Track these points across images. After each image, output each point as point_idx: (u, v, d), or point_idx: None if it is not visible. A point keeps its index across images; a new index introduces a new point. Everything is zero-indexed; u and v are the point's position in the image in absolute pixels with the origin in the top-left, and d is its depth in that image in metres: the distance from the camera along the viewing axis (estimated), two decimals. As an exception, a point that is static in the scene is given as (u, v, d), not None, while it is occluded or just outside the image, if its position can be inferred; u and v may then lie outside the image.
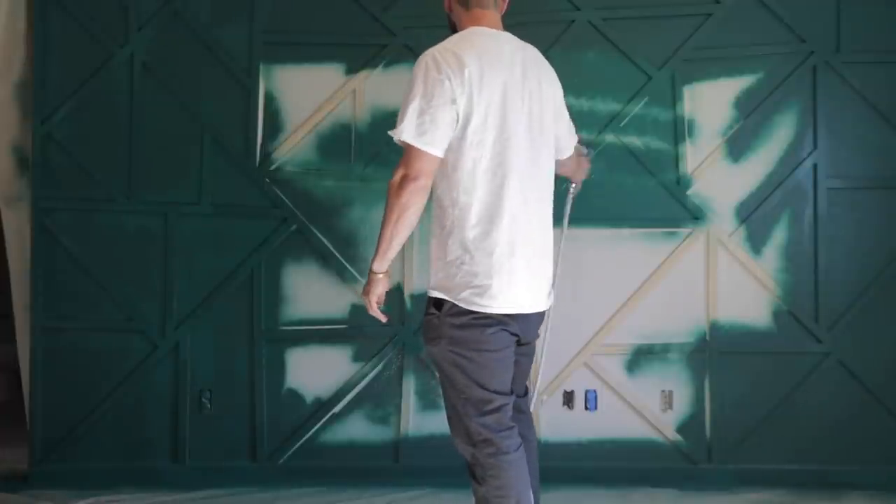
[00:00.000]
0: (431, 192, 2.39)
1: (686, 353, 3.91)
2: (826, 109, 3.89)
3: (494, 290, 2.35)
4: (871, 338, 3.88)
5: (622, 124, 3.91)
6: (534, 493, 2.53)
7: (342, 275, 3.93)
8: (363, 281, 3.90)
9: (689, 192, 3.92)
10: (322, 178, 3.94)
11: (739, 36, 3.91)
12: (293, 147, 3.94)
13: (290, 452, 3.92)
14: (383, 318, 2.50)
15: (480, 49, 2.38)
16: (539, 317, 2.53)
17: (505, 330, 2.40)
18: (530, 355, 2.61)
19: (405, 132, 2.32)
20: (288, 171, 3.94)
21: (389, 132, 2.37)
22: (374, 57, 3.94)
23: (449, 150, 2.35)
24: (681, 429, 3.92)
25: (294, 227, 3.93)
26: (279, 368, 3.93)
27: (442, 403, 3.89)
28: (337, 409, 3.93)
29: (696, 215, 3.91)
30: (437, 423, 3.93)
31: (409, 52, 3.93)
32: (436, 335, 2.39)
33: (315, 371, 3.93)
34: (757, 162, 3.92)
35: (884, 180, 3.89)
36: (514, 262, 2.38)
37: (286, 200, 3.92)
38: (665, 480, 3.85)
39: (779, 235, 3.92)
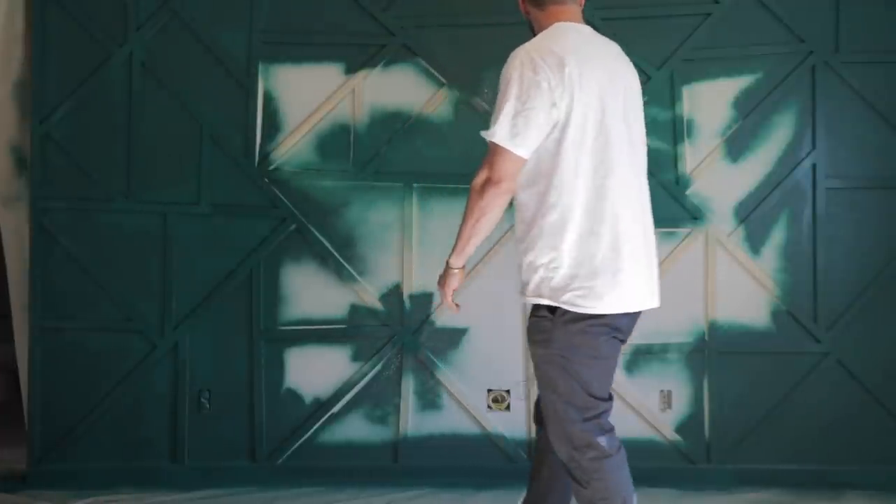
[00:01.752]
0: (515, 196, 2.41)
1: (685, 353, 3.91)
2: (825, 109, 3.89)
3: (599, 290, 2.32)
4: (870, 338, 3.88)
5: (621, 124, 3.91)
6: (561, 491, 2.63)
7: (341, 274, 3.93)
8: (362, 281, 3.91)
9: (687, 192, 3.92)
10: (321, 177, 3.94)
11: (738, 36, 3.91)
12: (292, 147, 3.94)
13: (289, 452, 3.92)
14: (457, 309, 2.57)
15: (575, 45, 2.35)
16: (637, 316, 2.51)
17: (615, 337, 2.39)
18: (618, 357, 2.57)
19: (497, 134, 2.29)
20: (287, 170, 3.94)
21: (482, 133, 2.35)
22: (373, 57, 3.94)
23: (544, 152, 2.31)
24: (679, 428, 3.92)
25: (293, 226, 3.93)
26: (278, 368, 3.93)
27: (441, 404, 3.92)
28: (336, 408, 3.93)
29: (694, 215, 3.91)
30: (436, 423, 3.94)
31: (408, 52, 3.93)
32: (545, 338, 2.36)
33: (314, 371, 3.93)
34: (756, 162, 3.92)
35: (883, 180, 3.89)
36: (620, 261, 2.35)
37: (285, 200, 3.92)
38: (664, 480, 3.85)
39: (778, 235, 3.92)
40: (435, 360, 3.93)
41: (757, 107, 3.91)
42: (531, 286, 2.37)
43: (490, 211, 2.33)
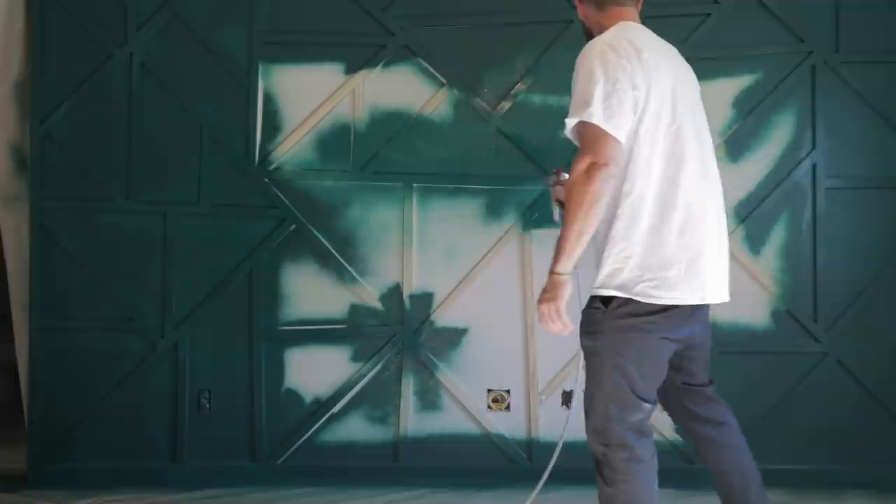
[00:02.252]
0: None
1: (685, 353, 3.90)
2: (825, 109, 3.89)
3: (672, 280, 2.27)
4: (869, 337, 3.88)
5: (621, 124, 3.91)
6: (751, 473, 2.57)
7: (341, 275, 3.93)
8: (362, 281, 3.90)
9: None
10: (321, 177, 3.94)
11: (738, 36, 3.91)
12: (292, 147, 3.94)
13: (289, 452, 3.92)
14: (570, 326, 2.29)
15: (645, 39, 2.36)
16: (707, 313, 2.46)
17: (667, 338, 2.31)
18: (707, 349, 2.52)
19: (595, 115, 2.19)
20: (287, 170, 3.94)
21: (567, 119, 2.26)
22: (373, 57, 3.94)
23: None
24: (679, 429, 3.92)
25: (293, 226, 3.93)
26: (278, 368, 3.93)
27: (442, 404, 3.92)
28: (336, 409, 3.93)
29: (695, 215, 3.91)
30: (436, 423, 3.94)
31: (408, 52, 3.93)
32: (596, 329, 2.28)
33: (314, 371, 3.93)
34: (756, 162, 3.92)
35: (882, 180, 3.89)
36: (693, 251, 2.30)
37: (285, 200, 3.92)
38: (663, 480, 3.79)
39: (777, 235, 3.92)
40: (435, 360, 3.93)
41: (757, 107, 3.91)
42: (600, 277, 2.29)
43: (602, 196, 2.17)
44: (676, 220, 2.28)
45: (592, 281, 2.31)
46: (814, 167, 3.90)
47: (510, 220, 3.92)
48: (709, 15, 3.91)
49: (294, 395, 3.93)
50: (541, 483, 2.96)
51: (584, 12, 2.53)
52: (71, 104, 3.89)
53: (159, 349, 3.90)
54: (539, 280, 3.88)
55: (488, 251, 3.91)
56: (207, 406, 3.91)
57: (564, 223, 2.20)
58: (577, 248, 2.21)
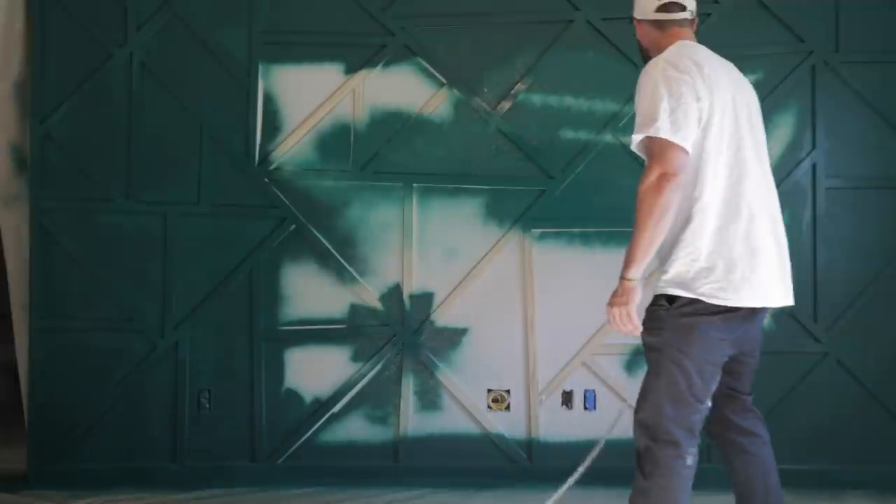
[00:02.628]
0: None
1: (685, 353, 3.90)
2: (825, 109, 3.90)
3: (736, 282, 2.35)
4: (869, 337, 3.88)
5: (621, 124, 3.91)
6: (775, 487, 2.69)
7: (341, 275, 3.93)
8: (362, 281, 3.90)
9: (688, 192, 3.92)
10: (321, 177, 3.94)
11: (738, 36, 3.91)
12: (292, 147, 3.94)
13: (289, 452, 3.92)
14: (640, 328, 2.41)
15: (705, 55, 2.47)
16: (762, 318, 2.54)
17: (725, 340, 2.39)
18: (757, 356, 2.59)
19: (662, 129, 2.30)
20: (287, 170, 3.94)
21: (634, 136, 2.36)
22: (373, 57, 3.94)
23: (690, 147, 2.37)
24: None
25: (293, 226, 3.92)
26: (278, 368, 3.93)
27: (442, 404, 3.92)
28: (336, 409, 3.93)
29: (695, 215, 3.91)
30: (436, 423, 3.93)
31: (408, 52, 3.93)
32: (660, 326, 2.37)
33: (314, 371, 3.93)
34: (756, 162, 3.92)
35: (882, 180, 3.89)
36: (756, 256, 2.39)
37: (285, 200, 3.92)
38: (664, 480, 3.84)
39: (778, 235, 3.92)
40: (435, 360, 3.93)
41: (757, 107, 3.91)
42: (667, 276, 2.39)
43: (671, 206, 2.29)
44: (740, 224, 2.39)
45: (657, 280, 2.41)
46: (814, 167, 3.90)
47: (510, 220, 3.91)
48: (709, 15, 3.91)
49: (294, 395, 3.93)
50: (575, 478, 3.01)
51: (642, 32, 2.62)
52: (71, 104, 3.89)
53: (159, 349, 3.90)
54: (539, 280, 3.89)
55: (488, 251, 3.91)
56: (207, 406, 3.91)
57: (635, 233, 2.30)
58: (647, 255, 2.33)
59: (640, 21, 2.60)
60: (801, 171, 3.91)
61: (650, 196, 2.28)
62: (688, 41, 2.52)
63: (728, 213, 2.38)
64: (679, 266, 2.37)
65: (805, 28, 3.90)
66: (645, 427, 2.37)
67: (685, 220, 2.36)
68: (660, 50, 2.51)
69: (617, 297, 2.38)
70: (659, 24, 2.56)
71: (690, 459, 2.38)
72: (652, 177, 2.29)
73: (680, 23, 2.56)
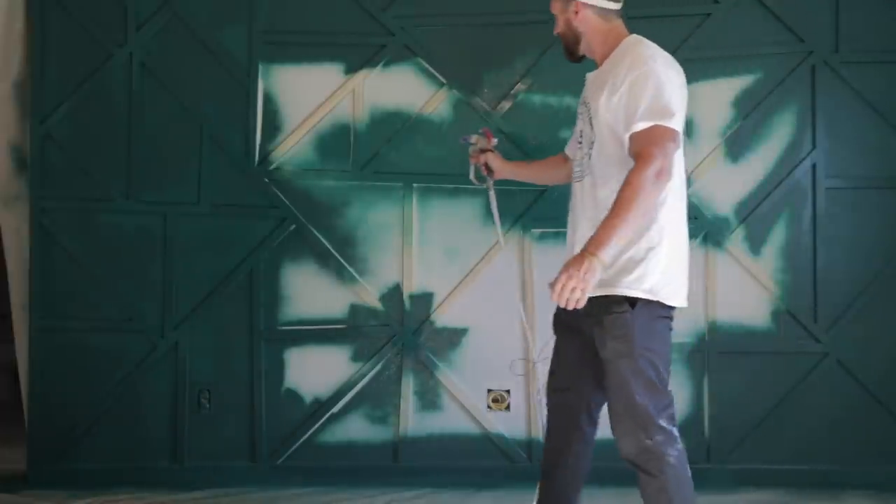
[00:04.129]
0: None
1: (685, 353, 3.90)
2: (825, 109, 3.90)
3: (684, 283, 2.47)
4: (870, 338, 3.88)
5: (621, 124, 3.91)
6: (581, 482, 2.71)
7: (341, 274, 3.93)
8: (362, 281, 3.90)
9: (687, 192, 3.90)
10: (321, 177, 3.94)
11: (738, 36, 3.91)
12: (292, 147, 3.94)
13: (289, 452, 3.92)
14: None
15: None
16: None
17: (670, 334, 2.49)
18: None
19: (676, 123, 2.30)
20: (287, 170, 3.94)
21: (639, 122, 2.29)
22: (373, 57, 3.94)
23: None
24: (679, 428, 3.89)
25: (293, 226, 3.92)
26: (278, 368, 3.93)
27: (442, 404, 3.92)
28: (336, 408, 3.93)
29: (695, 215, 3.90)
30: (436, 423, 3.93)
31: (408, 52, 3.93)
32: (626, 333, 2.35)
33: (314, 371, 3.93)
34: (756, 162, 3.92)
35: (883, 180, 3.89)
36: (687, 259, 2.50)
37: (285, 200, 3.92)
38: (664, 480, 3.84)
39: (778, 235, 3.92)
40: (435, 360, 3.93)
41: (757, 107, 3.91)
42: (627, 279, 2.36)
43: (656, 203, 2.30)
44: (684, 230, 2.48)
45: (608, 281, 2.35)
46: (814, 167, 3.90)
47: (510, 220, 3.91)
48: (709, 15, 3.91)
49: (294, 395, 3.93)
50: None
51: (581, 18, 2.50)
52: (71, 104, 3.89)
53: (159, 349, 3.90)
54: (539, 279, 3.89)
55: (488, 251, 3.90)
56: (207, 406, 3.91)
57: (617, 213, 2.21)
58: (623, 242, 2.26)
59: (584, 5, 2.48)
60: (801, 171, 3.91)
61: (645, 187, 2.22)
62: (647, 40, 2.48)
63: (681, 216, 2.46)
64: (642, 269, 2.36)
65: (805, 28, 3.90)
66: (638, 432, 2.38)
67: (650, 222, 2.35)
68: (600, 43, 2.48)
69: (582, 273, 2.19)
70: (605, 14, 2.48)
71: (680, 442, 2.44)
72: (650, 170, 2.23)
73: (619, 15, 2.51)
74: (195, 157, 3.91)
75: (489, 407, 3.94)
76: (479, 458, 3.92)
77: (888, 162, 3.89)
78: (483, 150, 2.93)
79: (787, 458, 3.89)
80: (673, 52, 3.81)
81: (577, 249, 2.33)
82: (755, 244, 3.92)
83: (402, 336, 3.93)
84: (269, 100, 3.95)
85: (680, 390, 3.91)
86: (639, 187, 2.22)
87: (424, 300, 3.93)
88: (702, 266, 3.91)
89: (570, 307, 2.21)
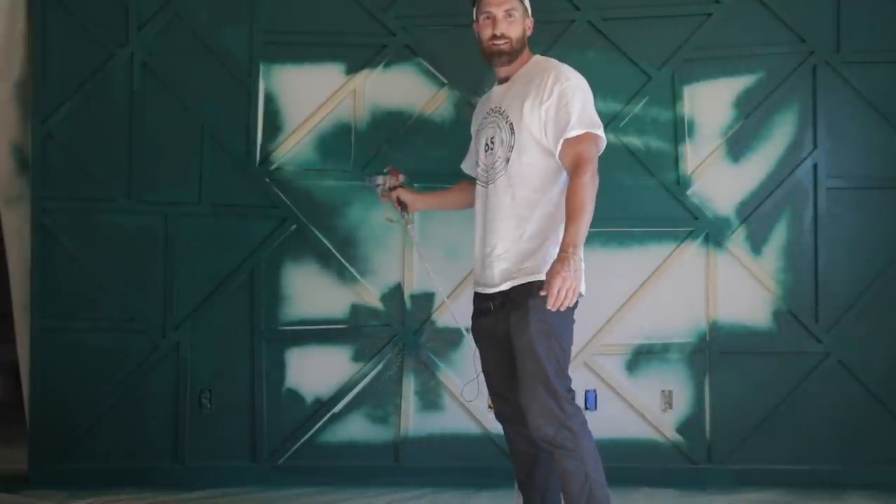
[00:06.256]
0: (539, 195, 2.70)
1: (686, 353, 3.91)
2: (826, 109, 3.89)
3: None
4: (871, 338, 3.88)
5: (622, 124, 3.91)
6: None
7: (342, 274, 3.93)
8: (363, 281, 3.91)
9: (688, 192, 3.92)
10: (322, 177, 3.94)
11: (739, 35, 3.91)
12: (293, 147, 3.95)
13: (290, 452, 3.92)
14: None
15: None
16: None
17: None
18: None
19: (601, 130, 2.68)
20: (288, 170, 3.94)
21: (574, 131, 2.63)
22: (374, 57, 3.94)
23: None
24: (681, 429, 3.92)
25: (294, 226, 3.93)
26: (279, 368, 3.93)
27: (443, 404, 3.92)
28: (337, 409, 3.92)
29: (696, 215, 3.91)
30: (437, 423, 3.93)
31: (409, 52, 3.93)
32: (544, 315, 2.57)
33: (315, 371, 3.93)
34: (757, 162, 3.92)
35: (884, 180, 3.89)
36: None
37: (286, 200, 3.92)
38: (665, 480, 3.85)
39: (779, 235, 3.92)
40: (436, 360, 3.93)
41: (758, 107, 3.91)
42: (542, 268, 2.63)
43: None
44: None
45: (532, 269, 2.66)
46: (815, 167, 3.90)
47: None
48: (710, 14, 3.91)
49: (295, 395, 3.93)
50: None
51: (529, 25, 2.86)
52: (72, 104, 3.89)
53: (160, 349, 3.90)
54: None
55: (489, 251, 3.90)
56: (208, 406, 3.91)
57: (579, 215, 2.52)
58: (585, 237, 2.58)
59: (531, 23, 2.87)
60: (802, 171, 3.91)
61: (592, 187, 2.57)
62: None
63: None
64: (551, 254, 2.62)
65: (806, 28, 3.90)
66: (548, 415, 2.59)
67: (555, 211, 2.68)
68: (522, 57, 2.82)
69: (572, 271, 2.48)
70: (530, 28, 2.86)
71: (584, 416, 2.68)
72: (588, 173, 2.57)
73: None
74: (196, 157, 3.92)
75: (490, 407, 3.93)
76: (480, 458, 3.91)
77: (890, 162, 3.89)
78: (392, 188, 3.15)
79: (788, 458, 3.89)
80: (674, 52, 3.91)
81: (498, 245, 2.71)
82: (756, 244, 3.92)
83: (403, 336, 3.93)
84: (270, 100, 3.95)
85: (681, 390, 3.91)
86: (585, 190, 2.55)
87: (425, 300, 3.93)
88: (703, 266, 3.91)
89: (566, 306, 2.48)
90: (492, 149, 2.78)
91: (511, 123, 2.72)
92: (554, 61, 2.77)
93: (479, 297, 2.85)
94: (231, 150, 3.93)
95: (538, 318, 2.59)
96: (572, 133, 2.61)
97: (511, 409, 2.82)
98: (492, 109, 2.83)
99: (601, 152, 2.69)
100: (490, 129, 2.81)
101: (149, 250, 3.90)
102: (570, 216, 2.53)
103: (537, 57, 2.84)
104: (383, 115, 3.94)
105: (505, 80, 2.83)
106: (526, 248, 2.68)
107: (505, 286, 2.70)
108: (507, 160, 2.72)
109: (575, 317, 2.70)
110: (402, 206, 3.19)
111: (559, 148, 2.63)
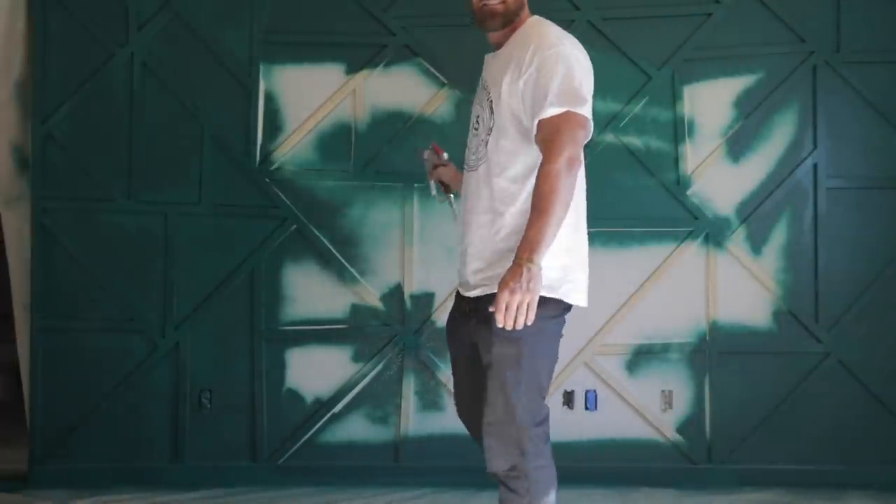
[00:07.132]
0: (519, 186, 2.24)
1: (686, 353, 3.91)
2: (826, 109, 3.89)
3: (583, 283, 2.28)
4: (871, 338, 3.88)
5: (622, 124, 3.92)
6: None
7: (342, 275, 3.93)
8: (363, 281, 3.90)
9: (688, 192, 3.92)
10: (322, 178, 3.94)
11: (739, 36, 3.91)
12: (293, 147, 3.94)
13: (290, 452, 3.92)
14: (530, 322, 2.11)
15: None
16: None
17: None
18: None
19: (587, 110, 2.14)
20: (288, 170, 3.94)
21: (552, 108, 2.11)
22: (374, 57, 3.94)
23: None
24: (681, 429, 3.92)
25: (294, 226, 3.93)
26: (279, 368, 3.92)
27: (443, 404, 3.91)
28: (337, 409, 3.92)
29: (695, 215, 3.91)
30: (437, 423, 3.93)
31: (409, 53, 3.93)
32: (519, 335, 2.12)
33: (315, 371, 3.93)
34: (757, 162, 3.92)
35: (884, 180, 3.89)
36: (587, 255, 2.32)
37: (286, 200, 3.92)
38: (665, 480, 3.85)
39: (779, 235, 3.92)
40: (436, 360, 3.93)
41: (758, 107, 3.91)
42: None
43: (573, 191, 2.10)
44: (583, 224, 2.30)
45: (494, 275, 2.20)
46: (815, 167, 3.90)
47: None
48: (710, 15, 3.91)
49: (295, 395, 3.93)
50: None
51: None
52: (72, 104, 3.89)
53: (160, 349, 3.90)
54: (540, 280, 3.88)
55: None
56: (208, 406, 3.91)
57: (544, 211, 2.05)
58: (553, 238, 2.08)
59: None
60: (802, 171, 3.91)
61: (562, 179, 2.05)
62: (548, 21, 2.34)
63: (579, 208, 2.27)
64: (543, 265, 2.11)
65: (806, 28, 3.90)
66: (506, 448, 2.24)
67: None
68: (520, 19, 2.32)
69: (524, 284, 2.02)
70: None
71: (552, 461, 2.30)
72: (561, 160, 2.06)
73: None
74: (196, 157, 3.92)
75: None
76: (480, 458, 3.88)
77: (889, 162, 3.89)
78: (435, 166, 2.74)
79: (788, 458, 3.89)
80: (674, 52, 3.91)
81: (473, 242, 2.29)
82: (756, 244, 3.92)
83: (404, 336, 3.93)
84: (270, 100, 3.95)
85: (681, 390, 3.91)
86: (555, 180, 2.05)
87: (425, 300, 3.93)
88: (703, 266, 3.91)
89: (520, 325, 2.05)
90: (476, 130, 2.36)
91: (491, 101, 2.29)
92: (546, 24, 2.30)
93: (457, 296, 2.46)
94: (231, 150, 3.93)
95: (504, 335, 2.13)
96: (549, 112, 2.11)
97: (474, 424, 2.45)
98: (481, 83, 2.41)
99: (589, 136, 2.17)
100: (476, 106, 2.40)
101: (149, 250, 3.90)
102: (533, 211, 2.06)
103: (533, 18, 2.35)
104: (383, 115, 3.94)
105: (499, 48, 2.37)
106: (500, 248, 2.23)
107: (476, 292, 2.28)
108: (486, 144, 2.29)
109: (563, 332, 2.32)
110: (445, 185, 2.74)
111: (536, 130, 2.15)
